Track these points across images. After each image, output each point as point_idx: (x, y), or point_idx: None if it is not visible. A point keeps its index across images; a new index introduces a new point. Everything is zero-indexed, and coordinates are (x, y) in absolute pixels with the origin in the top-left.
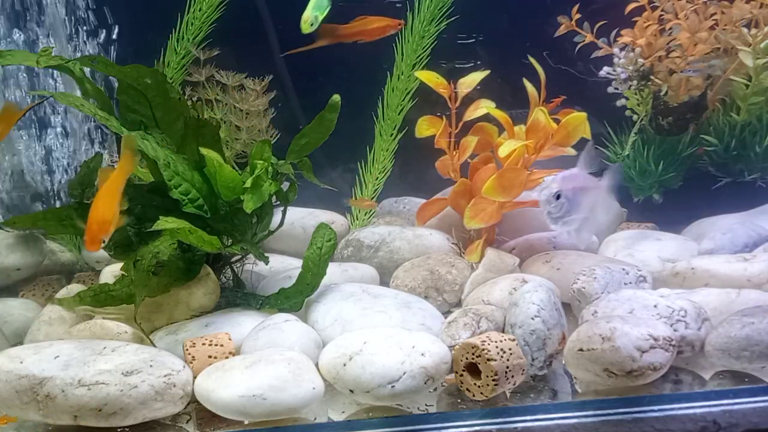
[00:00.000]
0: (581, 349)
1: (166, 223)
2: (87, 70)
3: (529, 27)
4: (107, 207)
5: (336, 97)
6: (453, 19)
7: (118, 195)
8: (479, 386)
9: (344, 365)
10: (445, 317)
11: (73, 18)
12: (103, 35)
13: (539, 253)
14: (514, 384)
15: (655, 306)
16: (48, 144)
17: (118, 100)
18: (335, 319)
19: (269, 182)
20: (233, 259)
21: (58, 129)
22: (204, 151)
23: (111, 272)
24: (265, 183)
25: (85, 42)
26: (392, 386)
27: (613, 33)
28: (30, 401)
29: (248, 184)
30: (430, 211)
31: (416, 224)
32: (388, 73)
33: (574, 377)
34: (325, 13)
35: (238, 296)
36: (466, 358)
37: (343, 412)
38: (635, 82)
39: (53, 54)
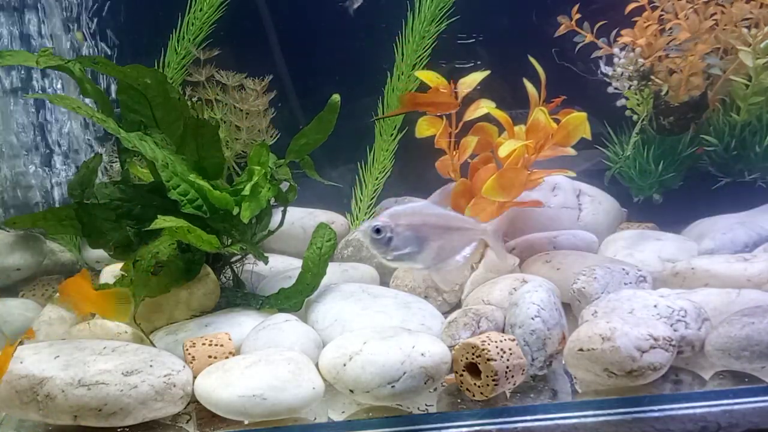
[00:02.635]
0: (581, 349)
1: (164, 222)
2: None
3: (529, 27)
4: None
5: (335, 98)
6: (454, 19)
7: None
8: (479, 386)
9: (344, 365)
10: (445, 317)
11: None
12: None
13: (539, 253)
14: (514, 384)
15: (655, 306)
16: None
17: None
18: (335, 319)
19: (267, 187)
20: (233, 260)
21: None
22: (196, 179)
23: (111, 272)
24: (262, 190)
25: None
26: (392, 386)
27: (613, 33)
28: (30, 401)
29: (246, 191)
30: None
31: None
32: (389, 73)
33: (574, 377)
34: None
35: (238, 296)
36: (466, 358)
37: (343, 412)
38: (635, 82)
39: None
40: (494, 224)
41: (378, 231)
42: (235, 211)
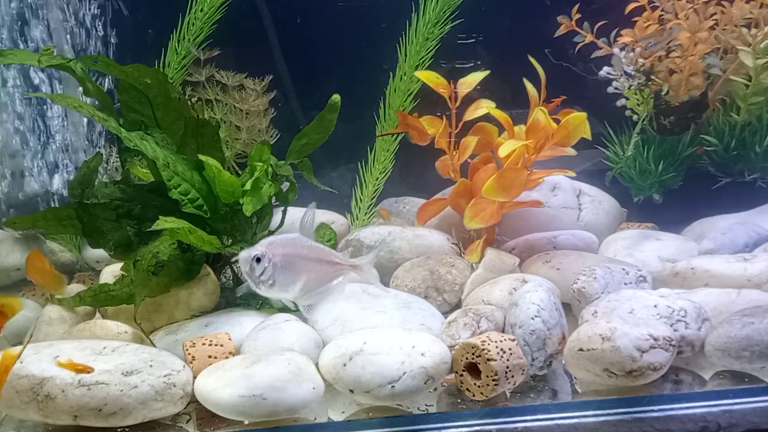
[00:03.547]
0: (581, 349)
1: (165, 222)
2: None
3: (530, 27)
4: None
5: (336, 97)
6: (458, 21)
7: None
8: (479, 386)
9: (344, 365)
10: (445, 317)
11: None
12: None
13: (539, 253)
14: (514, 384)
15: (655, 306)
16: None
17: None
18: (335, 319)
19: (268, 184)
20: (233, 260)
21: None
22: (203, 157)
23: (111, 272)
24: (264, 185)
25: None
26: (392, 386)
27: (613, 33)
28: (30, 401)
29: (248, 186)
30: (430, 211)
31: (416, 224)
32: (390, 73)
33: (574, 377)
34: None
35: (238, 296)
36: (466, 358)
37: (343, 412)
38: (635, 82)
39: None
40: (365, 259)
41: (259, 260)
42: (242, 200)
